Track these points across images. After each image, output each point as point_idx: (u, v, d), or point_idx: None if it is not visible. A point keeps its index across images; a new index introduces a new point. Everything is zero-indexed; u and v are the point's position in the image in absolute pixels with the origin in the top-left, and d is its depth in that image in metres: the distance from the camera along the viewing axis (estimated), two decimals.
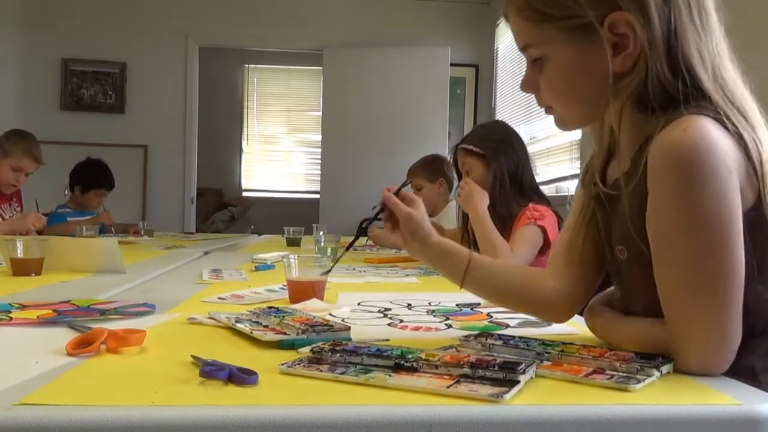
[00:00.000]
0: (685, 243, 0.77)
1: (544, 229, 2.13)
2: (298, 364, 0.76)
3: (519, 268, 1.12)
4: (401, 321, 1.16)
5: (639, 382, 0.71)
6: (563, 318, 1.06)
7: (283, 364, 0.76)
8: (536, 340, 0.87)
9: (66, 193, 4.11)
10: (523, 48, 0.92)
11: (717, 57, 0.85)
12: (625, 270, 0.91)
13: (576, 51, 0.87)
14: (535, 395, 0.69)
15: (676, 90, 0.82)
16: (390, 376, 0.71)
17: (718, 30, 0.87)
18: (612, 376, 0.73)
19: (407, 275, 1.89)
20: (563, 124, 0.97)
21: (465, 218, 2.29)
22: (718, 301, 0.77)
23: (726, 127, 0.80)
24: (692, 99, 0.82)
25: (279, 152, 7.30)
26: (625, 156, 0.90)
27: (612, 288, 1.01)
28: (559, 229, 2.13)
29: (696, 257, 0.77)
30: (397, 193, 1.08)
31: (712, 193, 0.76)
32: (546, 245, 2.13)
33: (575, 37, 0.86)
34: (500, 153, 2.24)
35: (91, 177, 3.96)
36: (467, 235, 2.28)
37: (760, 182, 0.81)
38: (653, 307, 0.83)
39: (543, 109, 0.96)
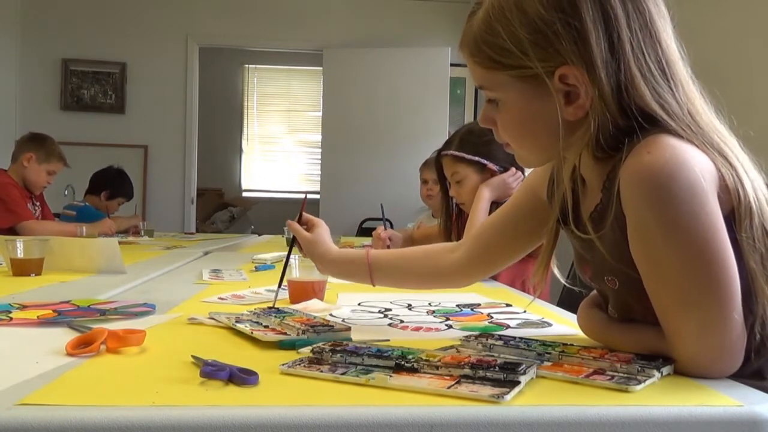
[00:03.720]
0: (672, 260, 0.76)
1: None
2: (299, 364, 0.76)
3: (419, 248, 1.20)
4: (402, 321, 1.16)
5: (639, 383, 0.71)
6: (459, 285, 1.19)
7: (283, 365, 0.76)
8: (537, 340, 0.87)
9: (66, 193, 4.14)
10: (479, 87, 0.92)
11: (688, 103, 0.82)
12: (620, 297, 0.90)
13: (528, 98, 0.86)
14: (535, 396, 0.69)
15: (633, 138, 0.80)
16: (391, 376, 0.71)
17: (684, 75, 0.84)
18: (612, 377, 0.73)
19: None
20: (522, 161, 0.96)
21: (448, 210, 2.21)
22: (714, 311, 0.76)
23: (692, 142, 0.79)
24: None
25: (279, 152, 7.31)
26: (593, 189, 0.89)
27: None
28: None
29: (684, 273, 0.76)
30: (300, 217, 1.22)
31: (688, 206, 0.75)
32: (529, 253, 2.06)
33: (527, 85, 0.84)
34: (492, 157, 2.07)
35: (125, 188, 4.26)
36: (450, 223, 2.20)
37: (737, 222, 0.78)
38: (652, 322, 0.82)
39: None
